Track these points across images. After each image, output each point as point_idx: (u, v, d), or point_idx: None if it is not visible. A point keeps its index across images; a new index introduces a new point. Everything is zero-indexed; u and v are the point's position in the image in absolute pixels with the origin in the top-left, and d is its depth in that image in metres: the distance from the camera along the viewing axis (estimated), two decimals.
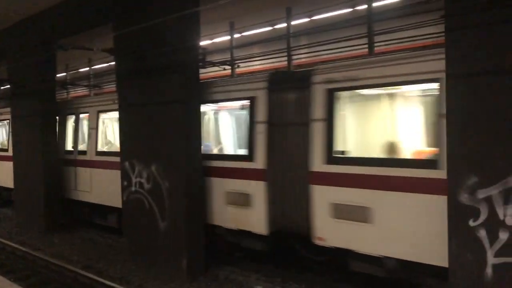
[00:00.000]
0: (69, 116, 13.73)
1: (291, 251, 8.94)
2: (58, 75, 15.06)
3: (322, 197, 7.61)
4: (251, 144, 8.70)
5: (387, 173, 6.82)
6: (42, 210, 12.87)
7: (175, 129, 8.72)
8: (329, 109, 7.61)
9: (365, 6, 8.24)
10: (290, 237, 8.55)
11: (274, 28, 12.14)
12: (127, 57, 9.46)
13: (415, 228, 6.53)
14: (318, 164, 7.68)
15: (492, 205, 5.22)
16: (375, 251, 7.06)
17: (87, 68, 15.83)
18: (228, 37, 10.70)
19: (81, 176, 12.85)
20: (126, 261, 9.85)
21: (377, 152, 7.47)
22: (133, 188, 9.58)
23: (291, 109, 8.22)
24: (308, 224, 7.86)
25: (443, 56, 5.69)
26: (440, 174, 6.16)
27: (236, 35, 11.64)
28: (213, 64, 9.30)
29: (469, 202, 5.38)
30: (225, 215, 9.12)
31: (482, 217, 5.30)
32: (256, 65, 11.47)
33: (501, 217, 5.17)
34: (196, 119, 8.96)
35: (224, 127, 10.58)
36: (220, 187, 9.16)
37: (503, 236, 5.16)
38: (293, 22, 9.83)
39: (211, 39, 12.88)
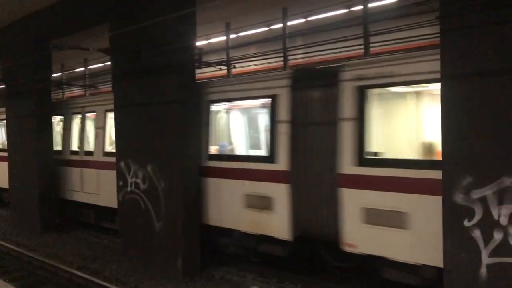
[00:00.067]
0: (75, 115, 13.30)
1: (314, 257, 8.52)
2: (53, 75, 15.02)
3: (353, 201, 7.16)
4: (272, 145, 8.29)
5: (425, 176, 6.39)
6: (37, 211, 12.82)
7: (171, 129, 8.71)
8: (360, 107, 7.17)
9: (361, 7, 8.27)
10: (315, 242, 8.12)
11: (270, 29, 12.13)
12: (123, 57, 9.45)
13: None
14: (348, 166, 7.24)
15: (487, 205, 5.24)
16: (412, 259, 6.60)
17: (83, 68, 15.78)
18: (224, 38, 10.71)
19: (87, 178, 12.43)
20: (122, 262, 9.84)
21: (413, 153, 7.08)
22: (128, 188, 9.57)
23: (317, 108, 7.78)
24: (336, 229, 7.43)
25: None
26: None
27: (232, 36, 11.65)
28: (209, 64, 9.29)
29: (464, 202, 5.40)
30: (243, 219, 8.70)
31: (477, 217, 5.32)
32: (253, 65, 11.47)
33: (495, 217, 5.20)
34: (193, 119, 8.94)
35: (241, 126, 10.20)
36: (237, 189, 8.74)
37: (498, 236, 5.18)
38: (289, 23, 9.86)
39: (207, 39, 12.86)
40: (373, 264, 7.27)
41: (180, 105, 8.61)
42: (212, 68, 9.72)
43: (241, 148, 10.08)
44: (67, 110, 13.60)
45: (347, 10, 10.54)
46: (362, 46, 7.62)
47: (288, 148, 8.02)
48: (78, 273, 9.09)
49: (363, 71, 7.22)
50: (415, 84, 6.87)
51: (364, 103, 7.17)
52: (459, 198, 5.44)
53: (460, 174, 5.42)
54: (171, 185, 8.75)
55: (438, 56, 5.74)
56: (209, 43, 13.06)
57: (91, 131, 12.82)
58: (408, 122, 7.55)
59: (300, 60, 11.15)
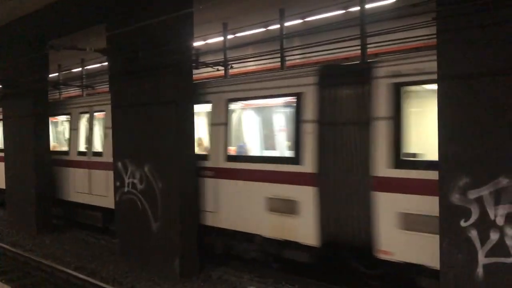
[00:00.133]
0: (82, 115, 12.83)
1: (342, 264, 7.98)
2: (50, 75, 14.99)
3: (388, 206, 6.72)
4: (297, 145, 7.89)
5: None
6: (34, 211, 12.79)
7: (169, 129, 8.71)
8: (396, 106, 6.76)
9: (358, 8, 8.28)
10: (343, 249, 7.71)
11: (268, 29, 12.15)
12: (120, 58, 9.44)
13: None
14: (382, 168, 6.84)
15: (483, 205, 5.26)
16: None
17: (80, 69, 15.75)
18: (222, 38, 10.72)
19: (96, 179, 12.00)
20: (119, 262, 9.83)
21: None
22: (126, 189, 9.56)
23: (347, 107, 7.33)
24: (369, 235, 7.04)
25: None
26: None
27: (230, 36, 11.66)
28: (207, 65, 9.30)
29: (461, 202, 5.42)
30: (264, 223, 8.31)
31: (473, 217, 5.34)
32: (250, 65, 11.49)
33: (492, 217, 5.22)
34: (189, 119, 8.94)
35: (262, 126, 9.77)
36: (258, 192, 8.36)
37: (494, 236, 5.20)
38: (287, 23, 9.87)
39: (205, 39, 12.88)
40: (409, 273, 6.85)
41: (177, 105, 8.61)
42: (210, 69, 9.73)
43: (262, 149, 9.70)
44: (74, 109, 13.19)
45: (344, 11, 10.59)
46: (359, 47, 7.63)
47: (315, 149, 7.62)
48: (75, 273, 9.07)
49: (399, 67, 6.84)
50: None
51: (400, 102, 6.78)
52: (455, 198, 5.46)
53: (456, 175, 5.44)
54: (168, 185, 8.75)
55: None
56: (206, 43, 13.08)
57: (100, 131, 12.41)
58: None
59: (297, 61, 11.18)
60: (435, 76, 5.84)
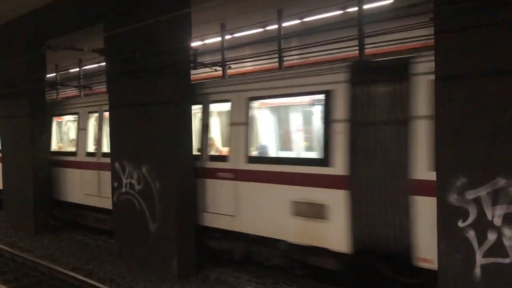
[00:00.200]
0: (91, 114, 12.35)
1: (375, 272, 7.56)
2: (48, 76, 14.96)
3: (430, 211, 6.06)
4: (326, 146, 7.45)
5: None
6: (32, 212, 12.76)
7: (166, 130, 8.71)
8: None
9: (355, 9, 8.29)
10: (378, 256, 7.32)
11: (266, 30, 12.15)
12: (117, 58, 9.43)
13: None
14: (423, 170, 6.42)
15: (481, 206, 5.27)
16: None
17: (77, 69, 15.73)
18: (220, 38, 10.71)
19: (106, 181, 11.26)
20: (116, 263, 9.81)
21: None
22: (123, 189, 9.55)
23: (383, 105, 6.93)
24: (406, 242, 6.65)
25: None
26: None
27: (228, 37, 11.65)
28: (205, 65, 9.29)
29: (458, 203, 5.43)
30: (290, 228, 7.89)
31: (471, 217, 5.35)
32: (248, 66, 11.48)
33: (489, 217, 5.22)
34: (187, 119, 8.94)
35: (287, 125, 9.28)
36: (283, 195, 7.94)
37: (492, 236, 5.21)
38: (284, 24, 9.87)
39: (203, 40, 12.87)
40: None
41: (175, 105, 8.60)
42: (207, 69, 9.72)
43: (286, 149, 9.20)
44: (82, 108, 12.79)
45: (342, 12, 10.59)
46: (357, 48, 7.64)
47: (346, 150, 7.20)
48: (73, 274, 9.06)
49: None
50: None
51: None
52: (453, 198, 5.46)
53: (454, 175, 5.45)
54: (166, 185, 8.74)
55: None
56: (204, 44, 13.07)
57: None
58: None
59: (295, 61, 11.18)
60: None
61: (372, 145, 7.01)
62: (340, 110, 7.32)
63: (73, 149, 13.15)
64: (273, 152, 8.98)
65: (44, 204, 12.99)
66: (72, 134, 13.88)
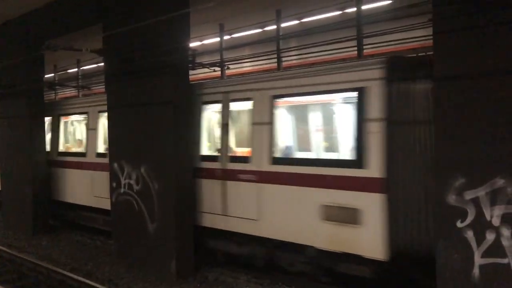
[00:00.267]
0: (101, 114, 11.83)
1: (413, 280, 7.20)
2: (46, 76, 14.95)
3: None
4: (359, 147, 7.03)
5: None
6: (30, 212, 12.74)
7: (165, 130, 8.70)
8: None
9: (354, 9, 8.31)
10: (417, 263, 6.91)
11: (264, 30, 12.17)
12: (116, 58, 9.43)
13: None
14: None
15: (479, 206, 5.28)
16: None
17: (76, 69, 15.74)
18: (218, 39, 10.73)
19: None
20: (115, 263, 9.80)
21: None
22: (122, 190, 9.54)
23: (423, 103, 6.63)
24: None
25: None
26: None
27: (226, 37, 11.66)
28: (203, 65, 9.30)
29: (457, 203, 5.43)
30: (319, 234, 7.47)
31: (470, 218, 5.35)
32: (246, 66, 11.49)
33: (488, 218, 5.23)
34: (186, 120, 8.93)
35: (314, 125, 8.75)
36: (311, 198, 7.51)
37: (490, 237, 5.22)
38: (283, 24, 9.89)
39: (201, 40, 12.88)
40: None
41: (174, 106, 8.60)
42: (206, 70, 9.72)
43: (314, 150, 8.66)
44: (92, 107, 12.26)
45: (340, 12, 10.61)
46: (355, 48, 7.65)
47: (382, 151, 6.78)
48: (71, 275, 9.04)
49: None
50: None
51: None
52: (452, 199, 5.47)
53: (453, 175, 5.45)
54: (164, 186, 8.73)
55: None
56: (202, 44, 13.08)
57: None
58: None
59: (294, 62, 11.19)
60: None
61: (410, 145, 6.72)
62: (375, 109, 6.87)
63: (82, 149, 12.77)
64: (299, 153, 8.56)
65: (43, 204, 12.96)
66: (81, 134, 13.46)
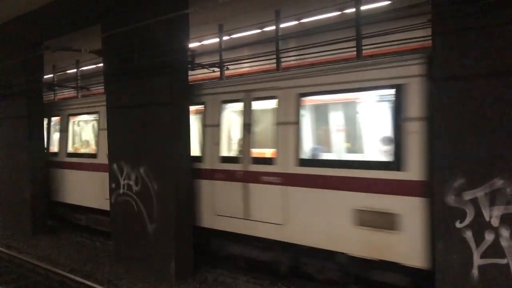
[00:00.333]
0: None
1: None
2: (45, 77, 14.94)
3: None
4: (398, 148, 6.63)
5: None
6: (29, 213, 12.74)
7: (164, 131, 8.70)
8: None
9: (353, 10, 8.31)
10: None
11: (263, 31, 12.17)
12: (115, 59, 9.43)
13: None
14: None
15: (478, 206, 5.29)
16: None
17: (75, 70, 15.72)
18: (217, 39, 10.72)
19: None
20: (114, 264, 9.80)
21: None
22: (121, 191, 9.54)
23: None
24: None
25: None
26: None
27: (225, 38, 11.66)
28: (202, 66, 9.29)
29: (456, 203, 5.44)
30: (351, 240, 7.10)
31: (469, 218, 5.37)
32: (245, 67, 11.49)
33: (487, 218, 5.24)
34: (185, 121, 8.93)
35: (345, 125, 8.37)
36: (343, 202, 7.14)
37: (489, 237, 5.23)
38: (282, 25, 9.88)
39: (200, 41, 12.88)
40: None
41: (173, 106, 8.60)
42: (205, 70, 9.72)
43: (346, 151, 8.26)
44: (104, 107, 11.49)
45: (339, 13, 10.61)
46: (354, 48, 7.65)
47: (422, 152, 6.41)
48: (70, 275, 9.03)
49: None
50: None
51: None
52: (451, 199, 5.48)
53: (452, 176, 5.46)
54: (164, 187, 8.73)
55: None
56: (202, 44, 13.08)
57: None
58: None
59: (293, 62, 11.20)
60: None
61: None
62: (415, 107, 6.48)
63: (92, 150, 12.42)
64: (329, 154, 8.13)
65: (41, 205, 12.95)
66: (92, 135, 13.04)
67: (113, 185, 9.72)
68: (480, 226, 5.27)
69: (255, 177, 8.34)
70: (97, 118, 12.08)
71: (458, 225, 5.43)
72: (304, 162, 7.74)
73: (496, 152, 5.19)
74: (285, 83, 8.06)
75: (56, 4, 11.12)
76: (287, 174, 7.87)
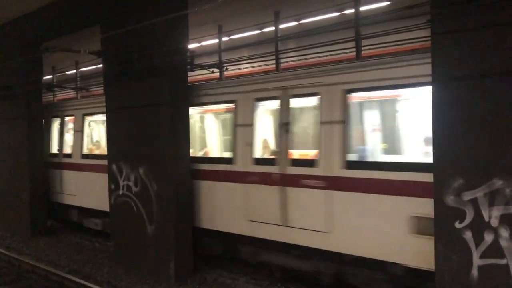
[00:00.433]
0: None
1: None
2: (44, 77, 14.93)
3: None
4: None
5: None
6: (28, 214, 12.73)
7: (163, 132, 8.70)
8: None
9: (352, 10, 8.31)
10: None
11: (263, 32, 12.17)
12: (114, 60, 9.43)
13: None
14: None
15: (478, 207, 5.28)
16: None
17: (74, 71, 15.72)
18: (217, 40, 10.72)
19: None
20: (114, 265, 9.79)
21: None
22: (120, 191, 9.53)
23: None
24: None
25: None
26: None
27: (225, 38, 11.66)
28: (202, 67, 9.29)
29: (455, 204, 5.44)
30: (408, 249, 6.53)
31: (468, 219, 5.36)
32: (245, 68, 11.48)
33: (486, 218, 5.24)
34: (184, 122, 8.92)
35: (401, 124, 7.67)
36: (398, 209, 6.55)
37: (488, 237, 5.22)
38: (281, 26, 9.88)
39: (200, 42, 12.87)
40: None
41: (172, 107, 8.60)
42: (204, 71, 9.72)
43: (402, 153, 7.59)
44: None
45: (339, 13, 10.61)
46: (354, 49, 7.65)
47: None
48: (70, 277, 9.03)
49: None
50: None
51: None
52: (450, 200, 5.48)
53: (451, 176, 5.46)
54: (163, 188, 8.72)
55: None
56: (201, 45, 13.07)
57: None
58: None
59: (292, 63, 11.19)
60: None
61: None
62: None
63: (102, 152, 11.82)
64: (381, 156, 7.50)
65: (41, 206, 12.93)
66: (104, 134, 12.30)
67: (112, 186, 9.72)
68: (479, 226, 5.27)
69: (294, 181, 7.75)
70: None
71: (457, 225, 5.43)
72: (351, 165, 7.17)
73: (495, 152, 5.18)
74: (329, 78, 7.47)
75: (56, 5, 11.12)
76: (332, 178, 7.30)
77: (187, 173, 8.99)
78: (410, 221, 6.50)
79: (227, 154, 9.12)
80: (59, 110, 13.51)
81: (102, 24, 9.81)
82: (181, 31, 8.72)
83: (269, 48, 9.29)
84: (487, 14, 5.16)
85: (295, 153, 8.16)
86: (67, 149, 13.17)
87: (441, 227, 5.60)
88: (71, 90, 15.21)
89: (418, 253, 6.43)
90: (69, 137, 13.23)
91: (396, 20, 6.35)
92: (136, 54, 8.74)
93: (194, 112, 10.03)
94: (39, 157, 12.95)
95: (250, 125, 8.48)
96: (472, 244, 5.34)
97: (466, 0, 5.22)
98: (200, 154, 10.13)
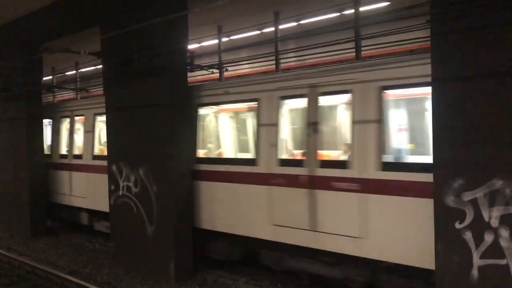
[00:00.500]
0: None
1: None
2: (44, 78, 14.93)
3: None
4: None
5: None
6: (28, 215, 12.73)
7: (163, 132, 8.70)
8: None
9: (352, 11, 8.31)
10: None
11: (262, 32, 12.17)
12: (114, 60, 9.43)
13: None
14: None
15: (478, 207, 5.28)
16: None
17: (74, 71, 15.73)
18: (216, 41, 10.72)
19: None
20: (114, 266, 9.78)
21: None
22: (120, 192, 9.53)
23: None
24: None
25: None
26: None
27: (224, 39, 11.66)
28: (201, 67, 9.29)
29: (455, 204, 5.44)
30: None
31: (468, 219, 5.36)
32: (244, 68, 11.49)
33: (486, 219, 5.23)
34: (184, 122, 8.92)
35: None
36: (430, 212, 5.90)
37: (488, 238, 5.22)
38: (281, 26, 9.89)
39: (199, 42, 12.88)
40: None
41: (172, 108, 8.60)
42: (204, 71, 9.72)
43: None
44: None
45: (338, 14, 10.61)
46: (353, 50, 7.65)
47: None
48: (70, 277, 9.02)
49: None
50: None
51: None
52: (450, 200, 5.47)
53: (451, 177, 5.46)
54: (163, 188, 8.72)
55: None
56: (201, 46, 13.07)
57: None
58: None
59: (292, 63, 11.19)
60: None
61: None
62: None
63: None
64: (420, 157, 6.94)
65: (41, 207, 12.93)
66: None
67: (112, 187, 9.72)
68: (479, 226, 5.27)
69: (324, 183, 7.33)
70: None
71: (457, 225, 5.43)
72: (388, 166, 6.74)
73: (495, 153, 5.18)
74: (362, 75, 7.03)
75: (56, 6, 11.13)
76: (366, 180, 6.88)
77: (188, 174, 8.98)
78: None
79: (249, 155, 8.81)
80: (68, 110, 13.22)
81: (102, 25, 9.81)
82: (181, 32, 8.72)
83: (269, 48, 9.29)
84: (487, 14, 5.16)
85: (325, 154, 7.72)
86: (77, 150, 12.86)
87: (441, 227, 5.60)
88: (71, 91, 15.23)
89: None
90: (79, 138, 12.91)
91: (395, 21, 6.36)
92: (136, 54, 8.75)
93: (210, 111, 9.76)
94: (39, 157, 12.93)
95: (274, 124, 8.06)
96: (472, 245, 5.33)
97: (466, 0, 5.22)
98: (224, 155, 9.66)
